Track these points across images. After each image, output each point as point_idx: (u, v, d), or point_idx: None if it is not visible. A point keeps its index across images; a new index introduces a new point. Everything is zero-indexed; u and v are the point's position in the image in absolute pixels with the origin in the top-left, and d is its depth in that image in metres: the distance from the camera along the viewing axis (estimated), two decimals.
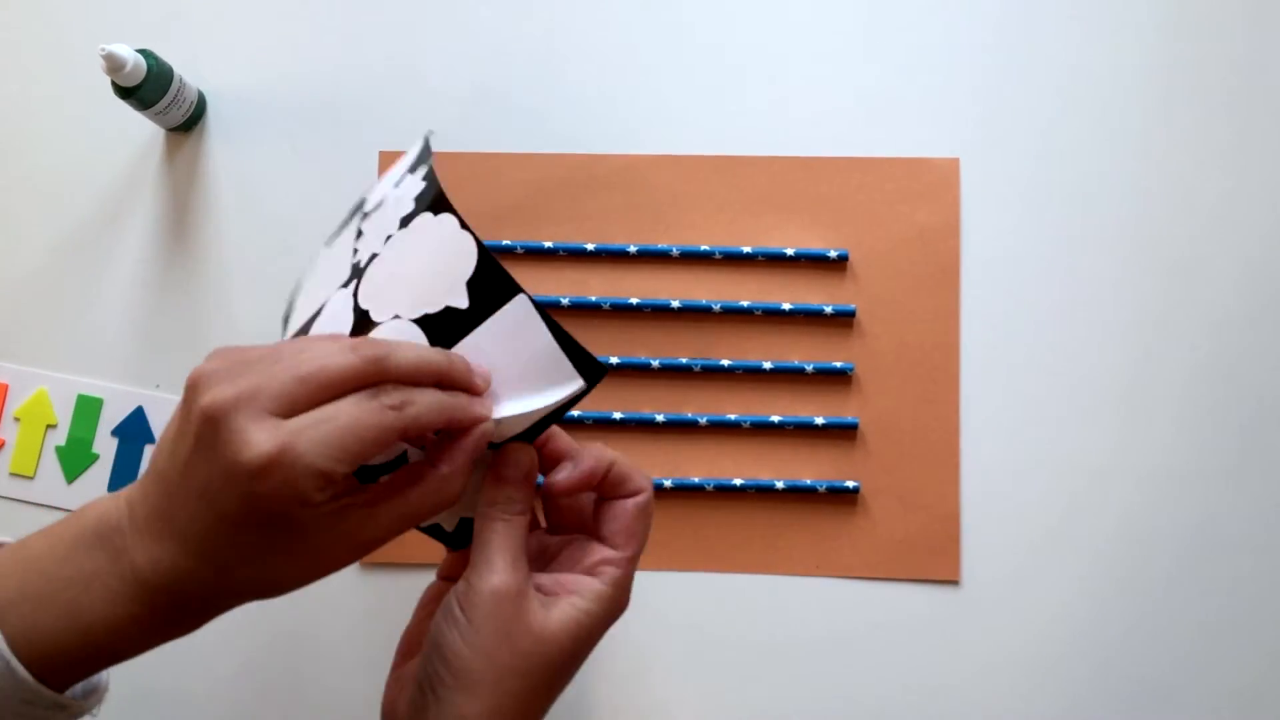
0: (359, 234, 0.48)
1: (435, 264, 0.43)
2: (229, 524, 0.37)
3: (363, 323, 0.44)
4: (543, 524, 0.48)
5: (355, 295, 0.45)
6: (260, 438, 0.35)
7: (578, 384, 0.42)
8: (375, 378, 0.38)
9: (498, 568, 0.40)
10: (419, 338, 0.42)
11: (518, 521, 0.42)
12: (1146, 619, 0.61)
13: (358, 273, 0.46)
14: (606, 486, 0.44)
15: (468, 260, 0.42)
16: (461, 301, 0.42)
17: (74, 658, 0.39)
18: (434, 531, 0.47)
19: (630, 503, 0.44)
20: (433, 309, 0.42)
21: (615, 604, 0.42)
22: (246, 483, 0.35)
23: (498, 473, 0.43)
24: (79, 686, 0.41)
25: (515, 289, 0.41)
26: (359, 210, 0.50)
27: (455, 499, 0.40)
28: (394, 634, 0.62)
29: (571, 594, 0.42)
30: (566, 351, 0.42)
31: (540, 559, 0.45)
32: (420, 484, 0.40)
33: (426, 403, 0.39)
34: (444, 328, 0.42)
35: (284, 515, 0.36)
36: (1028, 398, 0.63)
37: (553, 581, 0.42)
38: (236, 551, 0.37)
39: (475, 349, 0.42)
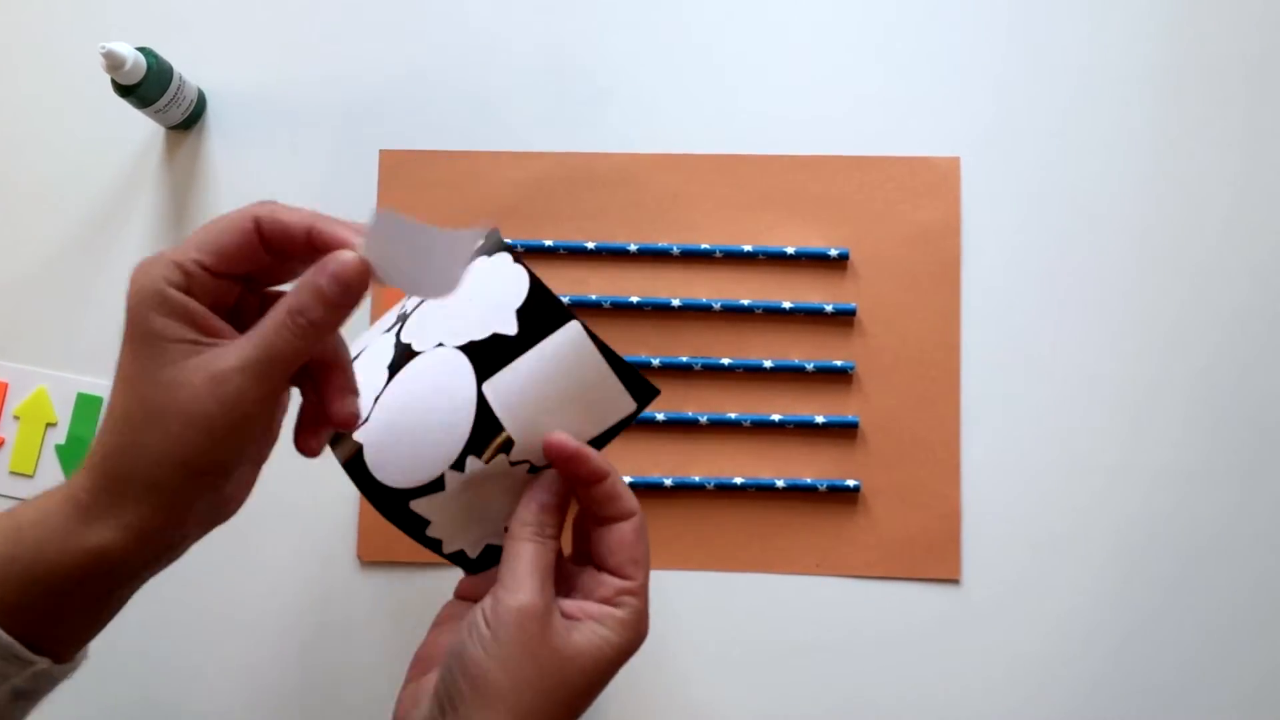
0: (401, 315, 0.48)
1: (484, 296, 0.43)
2: (125, 360, 0.38)
3: (404, 355, 0.44)
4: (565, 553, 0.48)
5: (398, 334, 0.45)
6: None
7: (630, 406, 0.43)
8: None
9: (527, 587, 0.41)
10: (464, 366, 0.43)
11: (549, 545, 0.43)
12: (1148, 619, 0.61)
13: (402, 318, 0.46)
14: (597, 501, 0.45)
15: (518, 290, 0.43)
16: (510, 329, 0.42)
17: (33, 597, 0.38)
18: (457, 558, 0.47)
19: (627, 527, 0.44)
20: (479, 336, 0.43)
21: (636, 633, 0.43)
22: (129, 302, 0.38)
23: (535, 496, 0.44)
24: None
25: (568, 316, 0.42)
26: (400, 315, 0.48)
27: (308, 343, 0.39)
28: (391, 633, 0.62)
29: (594, 620, 0.43)
30: (619, 374, 0.42)
31: (560, 587, 0.45)
32: (277, 326, 0.38)
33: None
34: (490, 354, 0.43)
35: (145, 329, 0.37)
36: (1028, 396, 0.63)
37: (576, 608, 0.43)
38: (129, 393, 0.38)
39: (523, 373, 0.42)
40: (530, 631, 0.40)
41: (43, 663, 0.40)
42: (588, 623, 0.42)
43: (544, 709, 0.40)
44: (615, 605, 0.43)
